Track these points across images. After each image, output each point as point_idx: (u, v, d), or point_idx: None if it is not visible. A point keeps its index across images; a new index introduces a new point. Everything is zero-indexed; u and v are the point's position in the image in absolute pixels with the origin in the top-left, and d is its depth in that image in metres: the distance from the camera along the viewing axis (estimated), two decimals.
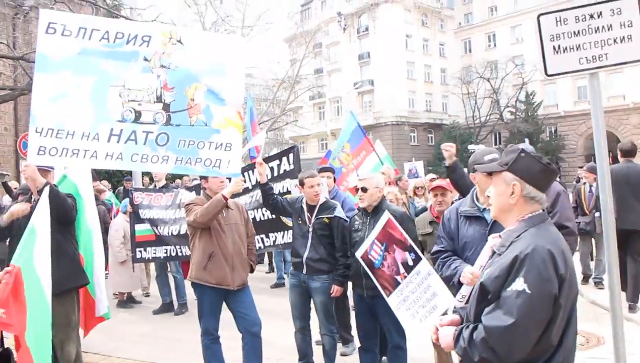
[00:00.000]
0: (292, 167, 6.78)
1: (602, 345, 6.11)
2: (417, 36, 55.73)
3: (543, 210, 2.49)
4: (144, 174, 11.43)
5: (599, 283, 8.87)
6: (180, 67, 4.80)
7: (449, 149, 4.94)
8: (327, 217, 5.25)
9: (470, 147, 42.85)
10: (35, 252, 3.98)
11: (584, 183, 9.38)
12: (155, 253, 8.21)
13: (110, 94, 4.64)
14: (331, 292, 5.24)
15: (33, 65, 13.93)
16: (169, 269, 9.27)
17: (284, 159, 6.90)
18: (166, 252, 8.17)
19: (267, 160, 6.91)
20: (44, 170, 4.88)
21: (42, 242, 4.04)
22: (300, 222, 5.41)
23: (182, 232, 7.84)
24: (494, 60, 50.11)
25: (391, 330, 4.84)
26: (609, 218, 3.90)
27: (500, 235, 2.56)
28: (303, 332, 5.52)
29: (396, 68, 53.14)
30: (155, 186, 9.25)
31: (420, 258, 2.89)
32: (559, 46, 3.52)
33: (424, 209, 6.45)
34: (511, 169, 2.48)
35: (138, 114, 4.67)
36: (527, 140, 13.51)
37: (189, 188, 8.62)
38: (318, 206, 5.32)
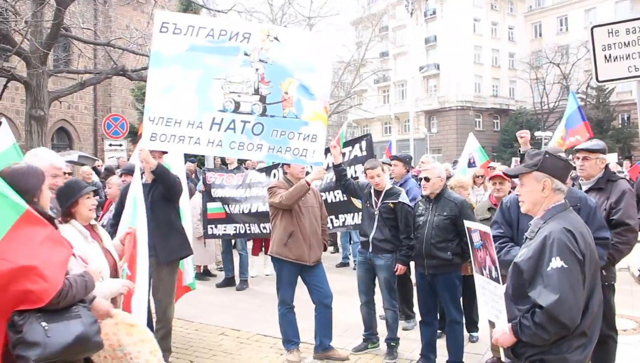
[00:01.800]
0: (364, 153, 7.26)
1: None
2: (485, 20, 54.74)
3: (565, 200, 2.98)
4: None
5: None
6: (277, 62, 5.27)
7: (524, 136, 5.35)
8: (392, 202, 5.75)
9: (537, 134, 42.20)
10: (137, 222, 4.59)
11: None
12: (225, 230, 8.86)
13: (214, 86, 5.19)
14: (395, 269, 5.77)
15: (117, 50, 14.94)
16: (234, 246, 9.98)
17: (357, 145, 7.39)
18: (235, 229, 8.79)
19: (344, 145, 7.41)
20: (160, 153, 5.56)
21: (141, 214, 4.58)
22: (368, 205, 5.96)
23: (253, 211, 8.49)
24: (565, 45, 48.64)
25: (449, 306, 5.36)
26: None
27: (530, 224, 3.04)
28: (368, 306, 6.10)
29: (463, 52, 52.37)
30: (227, 167, 9.97)
31: (499, 281, 3.06)
32: (610, 55, 3.90)
33: None
34: (540, 168, 2.98)
35: (237, 105, 5.20)
36: (470, 134, 13.41)
37: (260, 170, 9.22)
38: (384, 192, 5.84)
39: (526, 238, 3.08)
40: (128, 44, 15.23)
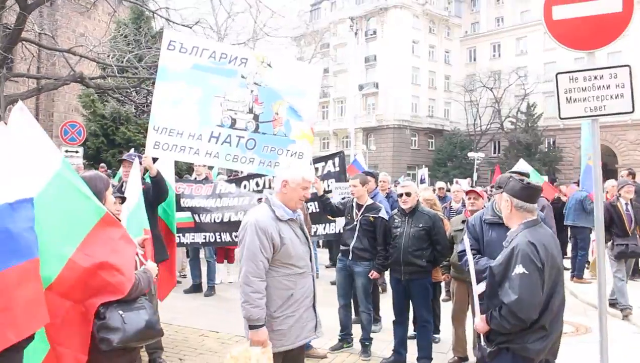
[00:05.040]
0: (337, 169, 7.88)
1: (590, 333, 7.33)
2: (423, 42, 56.76)
3: (536, 217, 3.68)
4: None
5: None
6: (269, 85, 5.91)
7: None
8: (372, 216, 6.41)
9: (470, 154, 43.95)
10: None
11: (618, 199, 8.63)
12: (193, 238, 9.20)
13: (214, 103, 5.76)
14: (370, 275, 6.41)
15: (73, 57, 14.97)
16: (202, 254, 10.35)
17: (330, 161, 7.99)
18: (205, 238, 9.14)
19: (314, 161, 8.00)
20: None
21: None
22: (349, 217, 6.59)
23: (225, 220, 8.91)
24: (497, 70, 51.16)
25: (421, 308, 6.06)
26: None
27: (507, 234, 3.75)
28: (345, 308, 6.72)
29: (401, 72, 54.16)
30: (195, 179, 10.35)
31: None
32: (570, 98, 4.69)
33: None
34: (504, 190, 3.74)
35: (234, 121, 5.80)
36: (521, 160, 14.49)
37: (229, 181, 9.64)
38: (365, 206, 6.49)
39: (504, 246, 3.77)
40: (87, 51, 15.31)
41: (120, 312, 3.09)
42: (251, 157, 5.83)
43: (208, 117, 5.73)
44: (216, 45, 6.22)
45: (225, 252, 10.63)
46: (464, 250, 4.77)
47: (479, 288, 3.81)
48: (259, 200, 7.38)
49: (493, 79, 50.71)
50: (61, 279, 2.80)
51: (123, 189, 5.86)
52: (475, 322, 3.72)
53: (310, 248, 4.09)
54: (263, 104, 5.89)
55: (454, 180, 17.19)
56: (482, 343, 3.68)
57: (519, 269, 3.36)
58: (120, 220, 4.56)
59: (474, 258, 4.74)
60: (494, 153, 51.88)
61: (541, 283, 3.39)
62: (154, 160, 6.04)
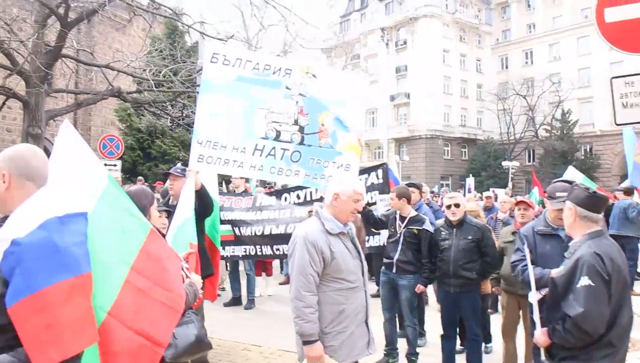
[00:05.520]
0: (380, 181, 7.78)
1: None
2: (454, 51, 56.43)
3: (601, 227, 3.51)
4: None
5: None
6: (314, 96, 5.76)
7: None
8: (416, 229, 6.29)
9: (504, 163, 43.33)
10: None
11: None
12: (233, 251, 9.19)
13: (258, 115, 5.65)
14: (416, 289, 6.28)
15: (111, 72, 15.20)
16: (241, 267, 10.33)
17: (373, 173, 7.89)
18: (245, 251, 9.13)
19: (359, 173, 7.91)
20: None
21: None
22: (392, 229, 6.47)
23: (266, 233, 8.87)
24: (530, 77, 50.57)
25: (470, 322, 5.90)
26: None
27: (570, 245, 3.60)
28: (391, 322, 6.59)
29: (433, 82, 53.87)
30: (234, 191, 10.35)
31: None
32: (627, 102, 4.53)
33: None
34: (568, 198, 3.59)
35: (278, 133, 5.66)
36: (570, 167, 14.02)
37: (269, 194, 9.63)
38: (408, 218, 6.37)
39: (565, 257, 3.61)
40: (123, 66, 15.52)
41: None
42: (296, 169, 5.68)
43: (252, 130, 5.64)
44: (260, 57, 6.14)
45: (263, 265, 10.59)
46: (517, 261, 4.65)
47: (537, 295, 3.68)
48: (309, 212, 7.34)
49: (526, 86, 50.12)
50: (120, 303, 2.68)
51: (170, 203, 5.85)
52: (536, 335, 3.56)
53: (362, 262, 4.00)
54: (308, 115, 5.75)
55: (491, 189, 16.88)
56: (543, 358, 3.53)
57: (584, 281, 3.22)
58: (165, 235, 4.54)
59: (525, 269, 4.59)
60: (529, 161, 51.11)
61: (607, 296, 3.24)
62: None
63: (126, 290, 2.73)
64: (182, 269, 3.48)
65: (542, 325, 3.51)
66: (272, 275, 11.02)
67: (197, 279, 3.59)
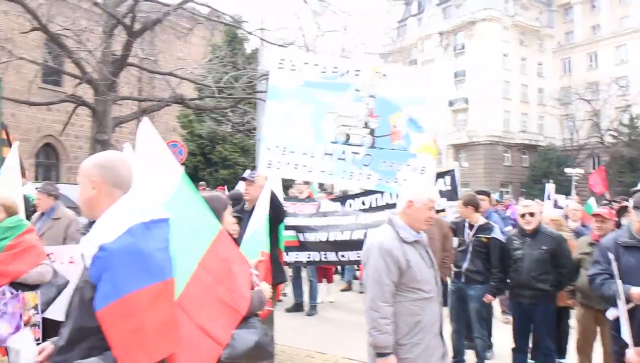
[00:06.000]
0: (449, 187, 7.62)
1: None
2: (514, 55, 55.19)
3: None
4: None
5: None
6: (385, 97, 5.57)
7: None
8: (485, 237, 6.11)
9: (567, 170, 41.95)
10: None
11: None
12: (297, 257, 9.17)
13: (327, 119, 5.56)
14: (485, 299, 6.09)
15: (173, 79, 15.50)
16: (303, 273, 10.31)
17: (440, 180, 7.73)
18: (309, 257, 9.10)
19: None
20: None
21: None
22: (461, 238, 6.31)
23: (331, 239, 8.81)
24: (595, 81, 48.93)
25: (544, 335, 5.67)
26: None
27: None
28: (458, 333, 6.42)
29: (492, 87, 52.73)
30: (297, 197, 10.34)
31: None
32: None
33: None
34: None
35: (348, 137, 5.55)
36: None
37: (333, 200, 9.56)
38: (477, 226, 6.21)
39: None
40: (186, 73, 15.85)
41: None
42: (368, 173, 5.53)
43: (321, 134, 5.55)
44: (327, 59, 6.06)
45: (324, 272, 10.54)
46: (596, 274, 4.41)
47: (614, 312, 3.48)
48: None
49: (590, 90, 48.47)
50: (186, 295, 2.74)
51: (245, 208, 5.86)
52: (628, 354, 3.37)
53: (436, 272, 3.88)
54: (379, 117, 5.57)
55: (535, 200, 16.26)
56: None
57: None
58: (236, 240, 4.55)
59: (604, 283, 4.37)
60: (594, 169, 49.35)
61: None
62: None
63: (194, 283, 2.80)
64: (252, 276, 3.48)
65: (636, 344, 3.31)
66: (332, 281, 10.96)
67: (266, 288, 3.57)
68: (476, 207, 6.37)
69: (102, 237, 2.16)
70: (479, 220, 6.30)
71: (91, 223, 2.37)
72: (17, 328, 4.35)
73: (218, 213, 3.48)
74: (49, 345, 2.44)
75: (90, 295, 2.12)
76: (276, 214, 5.78)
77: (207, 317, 2.83)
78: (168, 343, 2.28)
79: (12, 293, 4.33)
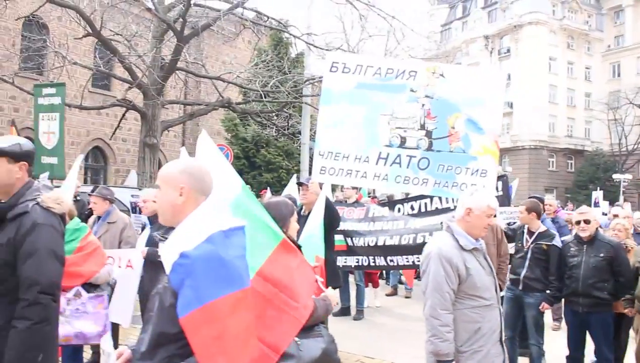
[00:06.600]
0: (500, 193, 7.48)
1: None
2: (561, 59, 54.02)
3: None
4: None
5: None
6: (443, 97, 5.38)
7: None
8: (546, 244, 6.01)
9: (615, 176, 40.89)
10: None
11: None
12: (345, 262, 9.16)
13: (380, 121, 5.44)
14: (541, 307, 5.99)
15: (221, 84, 15.69)
16: (350, 278, 10.31)
17: None
18: (357, 261, 9.08)
19: None
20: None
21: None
22: (519, 244, 6.23)
23: (380, 244, 8.77)
24: None
25: (601, 345, 5.56)
26: None
27: None
28: (512, 341, 6.30)
29: (537, 91, 51.78)
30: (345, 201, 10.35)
31: None
32: None
33: None
34: None
35: (403, 140, 5.41)
36: None
37: (382, 204, 9.53)
38: (537, 233, 6.11)
39: None
40: (232, 77, 16.04)
41: (297, 338, 2.98)
42: (424, 177, 5.35)
43: (375, 138, 5.44)
44: (381, 61, 5.97)
45: (369, 277, 10.52)
46: None
47: None
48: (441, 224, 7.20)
49: None
50: None
51: (302, 213, 5.88)
52: None
53: (495, 279, 3.84)
54: (436, 119, 5.38)
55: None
56: None
57: None
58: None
59: None
60: None
61: None
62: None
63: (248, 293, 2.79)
64: (317, 282, 3.47)
65: None
66: (378, 286, 10.93)
67: (332, 294, 3.55)
68: (539, 214, 6.26)
69: (183, 244, 2.18)
70: (540, 227, 6.20)
71: (168, 230, 2.38)
72: (105, 328, 4.45)
73: (285, 219, 3.48)
74: (126, 350, 2.47)
75: (170, 301, 2.14)
76: (331, 220, 5.77)
77: (263, 327, 2.77)
78: (249, 352, 2.30)
79: (87, 292, 4.44)
